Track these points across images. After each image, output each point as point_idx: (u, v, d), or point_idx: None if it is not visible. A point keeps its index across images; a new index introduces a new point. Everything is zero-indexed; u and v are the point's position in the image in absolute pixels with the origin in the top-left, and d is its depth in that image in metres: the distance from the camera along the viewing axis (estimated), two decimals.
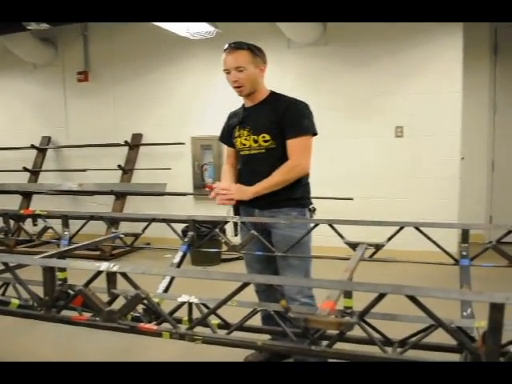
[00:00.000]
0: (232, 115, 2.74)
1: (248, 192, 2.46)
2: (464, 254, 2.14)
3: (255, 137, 2.52)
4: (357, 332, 1.52)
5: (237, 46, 2.47)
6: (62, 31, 6.49)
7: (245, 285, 1.33)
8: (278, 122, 2.47)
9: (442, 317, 1.57)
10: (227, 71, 2.49)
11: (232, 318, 1.94)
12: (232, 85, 2.52)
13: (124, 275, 1.50)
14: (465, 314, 1.81)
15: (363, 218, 2.55)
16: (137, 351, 2.96)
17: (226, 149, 2.85)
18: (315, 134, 2.51)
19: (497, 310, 1.11)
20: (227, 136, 2.74)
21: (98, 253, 5.59)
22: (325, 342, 1.38)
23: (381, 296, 1.19)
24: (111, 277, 1.62)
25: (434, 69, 5.14)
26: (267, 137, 2.49)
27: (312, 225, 2.45)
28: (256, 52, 2.51)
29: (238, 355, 2.68)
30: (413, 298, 1.17)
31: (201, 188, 6.05)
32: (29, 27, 4.78)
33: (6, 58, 6.83)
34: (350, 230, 2.26)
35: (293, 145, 2.45)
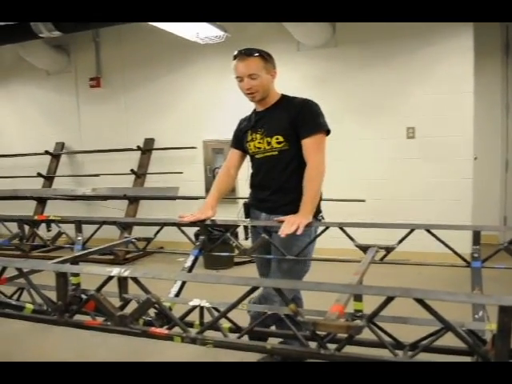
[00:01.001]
0: (243, 120, 2.74)
1: (307, 216, 2.33)
2: (475, 255, 2.13)
3: (268, 139, 2.51)
4: (368, 335, 1.53)
5: (248, 53, 2.45)
6: (73, 38, 6.56)
7: (254, 289, 1.34)
8: (291, 122, 2.46)
9: (455, 319, 1.57)
10: (240, 79, 2.47)
11: (244, 321, 1.95)
12: (245, 92, 2.51)
13: (135, 280, 1.52)
14: (477, 316, 1.79)
15: (375, 220, 2.55)
16: (150, 355, 2.97)
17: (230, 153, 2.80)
18: (329, 131, 2.51)
19: (506, 313, 1.11)
20: (237, 141, 2.73)
21: (111, 257, 5.63)
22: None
23: (389, 299, 1.19)
24: (122, 282, 1.63)
25: (444, 69, 5.12)
26: (280, 138, 2.48)
27: (317, 232, 2.46)
28: (267, 58, 2.49)
29: (250, 359, 2.69)
30: (421, 302, 1.17)
31: None
32: (41, 35, 4.83)
33: (19, 66, 6.93)
34: (361, 231, 2.26)
35: (308, 143, 2.44)
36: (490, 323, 1.64)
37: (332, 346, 1.36)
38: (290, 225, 2.26)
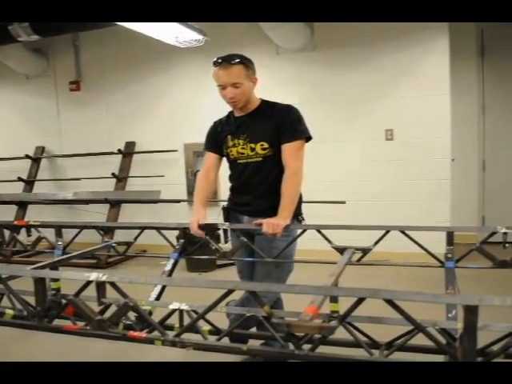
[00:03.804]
0: (218, 124, 2.70)
1: (287, 219, 2.37)
2: (449, 256, 2.18)
3: (252, 145, 2.52)
4: (348, 336, 1.57)
5: (230, 60, 2.41)
6: (53, 42, 6.51)
7: (229, 292, 1.37)
8: (275, 129, 2.48)
9: (431, 319, 1.61)
10: (222, 87, 2.45)
11: (226, 325, 1.98)
12: (227, 100, 2.49)
13: (113, 284, 1.53)
14: (450, 315, 1.84)
15: (355, 222, 2.58)
16: (133, 359, 2.97)
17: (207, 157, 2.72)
18: (310, 137, 2.54)
19: (471, 311, 1.15)
20: (214, 144, 2.69)
21: (94, 261, 5.61)
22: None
23: (360, 300, 1.22)
24: (101, 286, 1.65)
25: (421, 71, 5.19)
26: (265, 145, 2.50)
27: (297, 234, 2.50)
28: (248, 65, 2.47)
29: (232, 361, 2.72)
30: (390, 302, 1.21)
31: None
32: (20, 39, 4.80)
33: None
34: (340, 233, 2.31)
35: (288, 149, 2.47)
36: (461, 322, 1.69)
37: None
38: (270, 227, 2.31)
